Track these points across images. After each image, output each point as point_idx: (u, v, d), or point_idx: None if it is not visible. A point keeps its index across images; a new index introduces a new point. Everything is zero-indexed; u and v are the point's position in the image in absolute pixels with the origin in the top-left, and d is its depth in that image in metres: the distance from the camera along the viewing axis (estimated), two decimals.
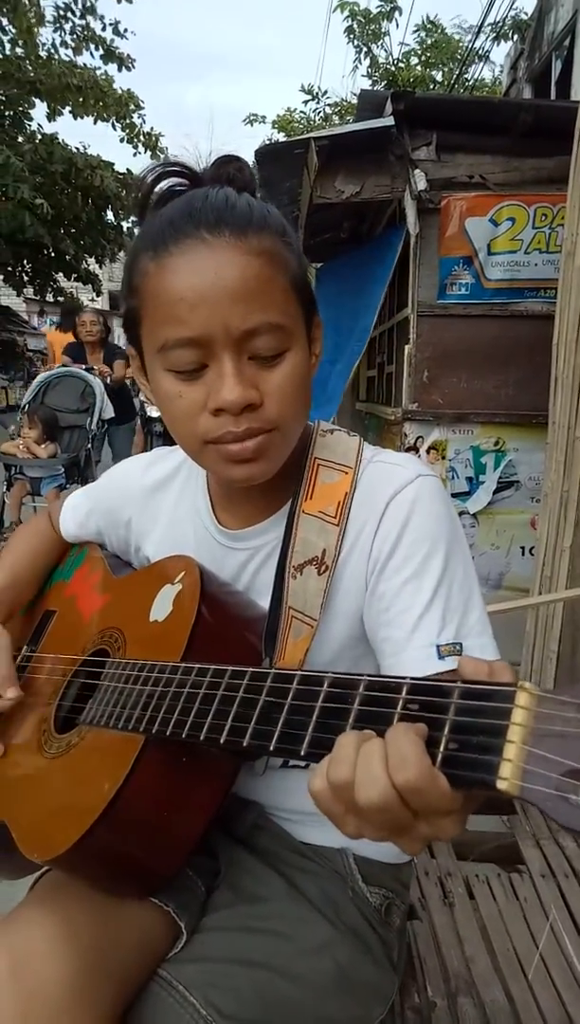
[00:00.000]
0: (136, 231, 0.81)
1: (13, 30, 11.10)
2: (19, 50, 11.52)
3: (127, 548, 1.05)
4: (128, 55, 11.94)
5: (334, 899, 0.86)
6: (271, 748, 0.53)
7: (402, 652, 0.75)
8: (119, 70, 11.82)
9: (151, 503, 0.99)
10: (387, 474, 0.82)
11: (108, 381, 5.72)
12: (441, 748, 0.44)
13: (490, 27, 9.55)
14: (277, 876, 0.87)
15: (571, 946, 1.45)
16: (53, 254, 14.55)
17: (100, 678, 0.82)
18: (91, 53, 11.94)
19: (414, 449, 4.25)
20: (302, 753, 0.50)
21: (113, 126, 12.05)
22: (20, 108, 12.24)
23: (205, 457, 0.78)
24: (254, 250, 0.70)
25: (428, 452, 4.26)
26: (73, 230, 13.63)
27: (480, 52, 10.51)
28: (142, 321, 0.75)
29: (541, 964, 1.41)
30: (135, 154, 12.91)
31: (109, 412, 5.67)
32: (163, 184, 0.80)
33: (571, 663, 2.91)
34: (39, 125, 12.66)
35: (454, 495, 4.30)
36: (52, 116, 12.04)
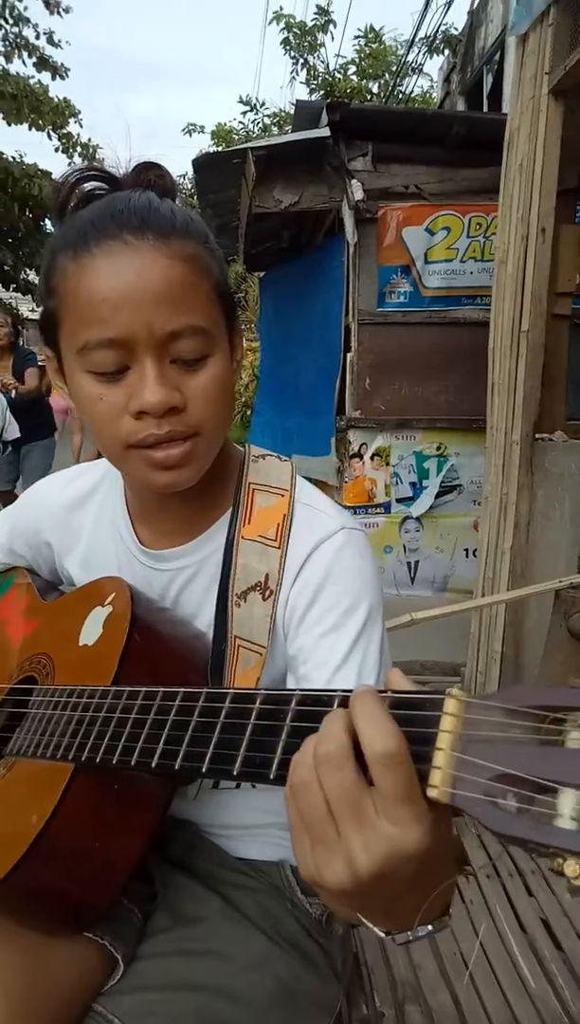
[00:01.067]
0: (53, 232, 0.79)
1: None
2: None
3: (53, 569, 1.02)
4: (62, 64, 11.82)
5: (272, 913, 0.85)
6: (204, 770, 0.51)
7: None
8: (52, 79, 11.68)
9: (72, 521, 0.96)
10: (311, 522, 0.81)
11: (13, 395, 5.02)
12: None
13: (422, 41, 9.77)
14: (213, 895, 0.85)
15: (516, 946, 1.47)
16: None
17: (27, 706, 0.79)
18: (23, 61, 11.79)
19: (358, 456, 4.29)
20: (235, 773, 0.49)
21: (49, 135, 11.90)
22: None
23: (128, 463, 0.76)
24: (177, 254, 0.70)
25: (372, 459, 4.30)
26: (10, 240, 13.37)
27: (414, 65, 10.73)
28: (61, 322, 0.73)
29: (487, 965, 1.43)
30: (69, 163, 12.76)
31: (13, 432, 4.97)
32: (84, 187, 0.78)
33: (515, 663, 2.97)
34: None
35: (398, 500, 4.35)
36: None
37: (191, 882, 0.87)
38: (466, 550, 4.31)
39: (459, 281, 4.17)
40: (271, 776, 0.47)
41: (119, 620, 0.75)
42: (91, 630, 0.78)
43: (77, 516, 0.96)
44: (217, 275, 0.75)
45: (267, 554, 0.79)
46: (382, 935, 0.49)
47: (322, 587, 0.77)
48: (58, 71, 11.78)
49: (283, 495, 0.83)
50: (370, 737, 0.42)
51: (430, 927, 0.49)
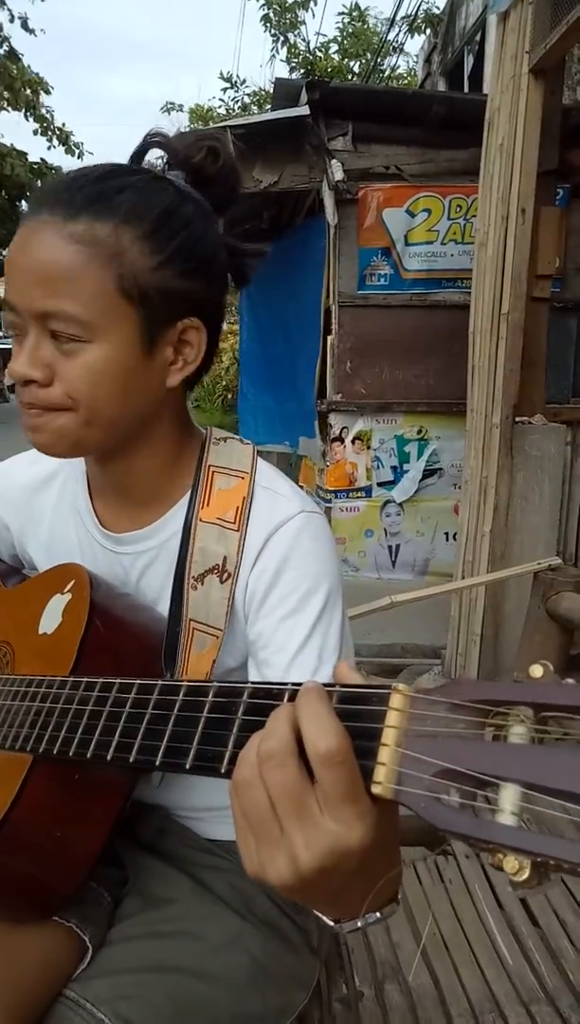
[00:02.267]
0: None
1: None
2: None
3: (14, 552, 1.00)
4: (41, 29, 11.58)
5: (243, 892, 0.85)
6: (157, 763, 0.51)
7: None
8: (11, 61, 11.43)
9: (33, 504, 0.94)
10: (270, 505, 0.80)
11: None
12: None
13: (402, 20, 9.66)
14: (185, 876, 0.85)
15: (494, 925, 1.49)
16: None
17: None
18: None
19: (339, 440, 4.28)
20: (187, 767, 0.48)
21: (26, 117, 11.69)
22: None
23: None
24: (77, 236, 0.68)
25: (353, 442, 4.30)
26: None
27: (395, 44, 10.62)
28: None
29: (466, 943, 1.44)
30: (49, 147, 12.58)
31: None
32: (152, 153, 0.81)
33: (494, 645, 2.99)
34: None
35: (380, 484, 4.35)
36: None
37: (162, 865, 0.87)
38: (446, 533, 4.33)
39: (439, 264, 4.15)
40: (222, 771, 0.47)
41: (78, 608, 0.74)
42: (51, 618, 0.77)
43: (39, 499, 0.94)
44: (136, 267, 0.71)
45: (226, 537, 0.79)
46: (331, 924, 0.50)
47: (281, 571, 0.77)
48: (14, 52, 11.51)
49: (243, 478, 0.82)
50: (313, 736, 0.42)
51: (378, 915, 0.50)
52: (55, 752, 0.62)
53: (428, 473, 4.35)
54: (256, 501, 0.80)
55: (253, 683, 0.49)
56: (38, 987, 0.73)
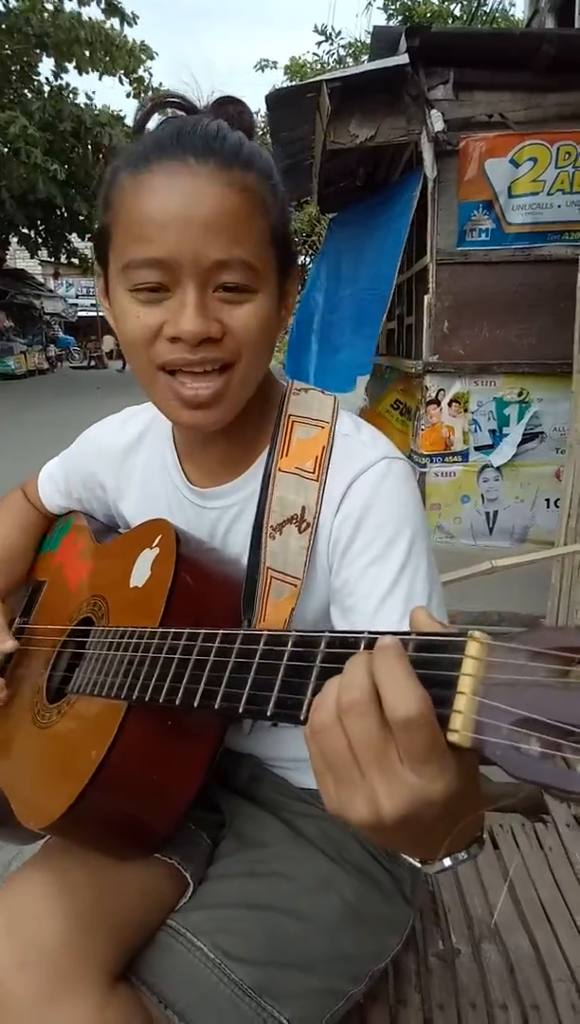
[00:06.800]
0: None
1: None
2: (24, 2, 11.30)
3: (109, 512, 1.04)
4: (132, 12, 11.68)
5: (335, 838, 0.87)
6: (241, 710, 0.52)
7: None
8: (121, 25, 11.58)
9: (125, 463, 0.97)
10: (351, 452, 0.80)
11: None
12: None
13: None
14: (277, 821, 0.88)
15: None
16: (66, 214, 14.43)
17: (86, 647, 0.82)
18: (97, 7, 11.70)
19: (435, 402, 4.19)
20: (269, 714, 0.50)
21: (121, 80, 11.84)
22: (25, 61, 12.04)
23: (157, 389, 0.75)
24: (237, 185, 0.68)
25: (450, 405, 4.19)
26: (86, 188, 13.48)
27: None
28: (111, 238, 0.73)
29: (566, 911, 1.42)
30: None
31: None
32: (161, 115, 0.78)
33: None
34: (46, 79, 12.47)
35: (477, 448, 4.24)
36: (58, 73, 11.84)
37: (256, 810, 0.90)
38: (547, 500, 4.18)
39: (545, 216, 3.93)
40: (301, 718, 0.48)
41: (166, 562, 0.76)
42: (140, 572, 0.80)
43: (130, 459, 0.97)
44: (276, 215, 0.73)
45: (305, 486, 0.79)
46: (417, 864, 0.50)
47: (364, 518, 0.76)
48: (126, 17, 11.63)
49: (323, 427, 0.82)
50: (391, 699, 0.42)
51: (464, 854, 0.50)
52: (147, 699, 0.65)
53: (529, 437, 4.19)
54: (336, 449, 0.80)
55: (331, 632, 0.49)
56: (141, 915, 0.78)
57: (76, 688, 0.80)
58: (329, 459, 0.80)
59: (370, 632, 0.46)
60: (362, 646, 0.46)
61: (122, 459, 0.98)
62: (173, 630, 0.66)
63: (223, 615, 0.77)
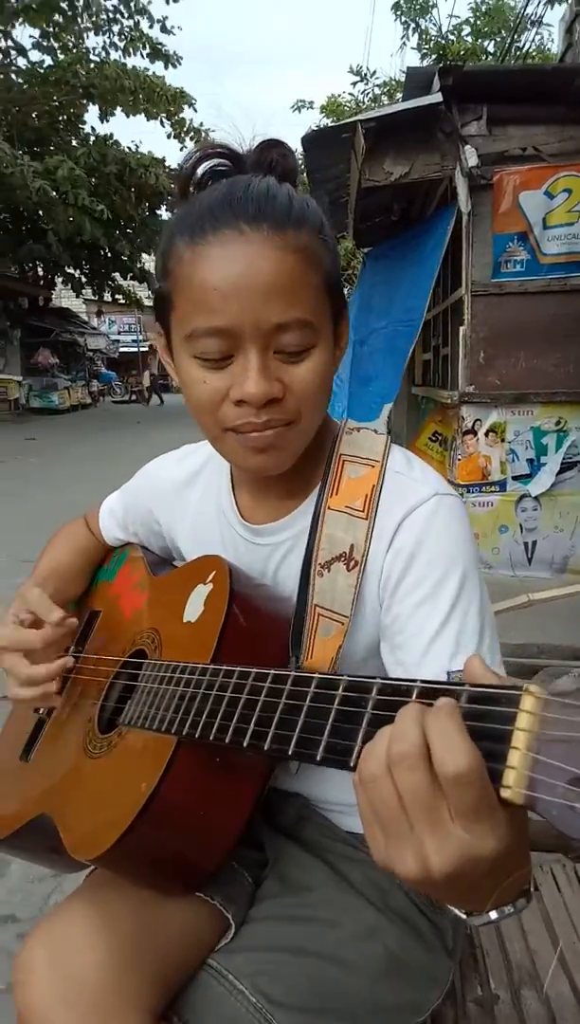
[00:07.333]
0: (174, 212, 0.81)
1: (66, 38, 11.37)
2: (72, 55, 11.81)
3: (165, 545, 1.06)
4: (174, 52, 12.13)
5: (380, 885, 0.86)
6: (290, 752, 0.53)
7: (414, 676, 0.73)
8: (165, 67, 12.03)
9: (180, 498, 1.00)
10: (403, 489, 0.80)
11: None
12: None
13: None
14: (322, 865, 0.87)
15: None
16: (110, 254, 14.85)
17: (138, 679, 0.83)
18: (141, 54, 12.18)
19: (472, 432, 4.18)
20: (318, 759, 0.50)
21: (162, 123, 12.25)
22: (72, 111, 12.54)
23: (224, 443, 0.78)
24: (290, 246, 0.70)
25: (487, 435, 4.17)
26: (128, 230, 13.89)
27: (533, 18, 10.15)
28: (173, 306, 0.76)
29: None
30: (181, 148, 13.08)
31: None
32: (205, 165, 0.79)
33: None
34: (92, 128, 12.97)
35: (515, 478, 4.20)
36: (104, 117, 12.29)
37: (300, 852, 0.89)
38: None
39: None
40: (351, 764, 0.48)
41: (219, 598, 0.78)
42: (194, 607, 0.81)
43: (185, 494, 0.99)
44: (328, 266, 0.75)
45: (354, 524, 0.80)
46: (462, 916, 0.50)
47: (415, 555, 0.76)
48: (170, 59, 12.06)
49: (373, 466, 0.83)
50: (440, 755, 0.42)
51: (510, 908, 0.50)
52: (197, 735, 0.65)
53: (567, 466, 4.14)
54: (386, 487, 0.81)
55: (382, 679, 0.50)
56: (182, 954, 0.78)
57: (128, 720, 0.81)
58: (379, 497, 0.80)
59: (423, 681, 0.46)
60: (414, 695, 0.46)
61: (178, 494, 1.00)
62: (225, 667, 0.67)
63: (272, 652, 0.77)
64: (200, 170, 0.79)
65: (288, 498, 0.86)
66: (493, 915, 0.49)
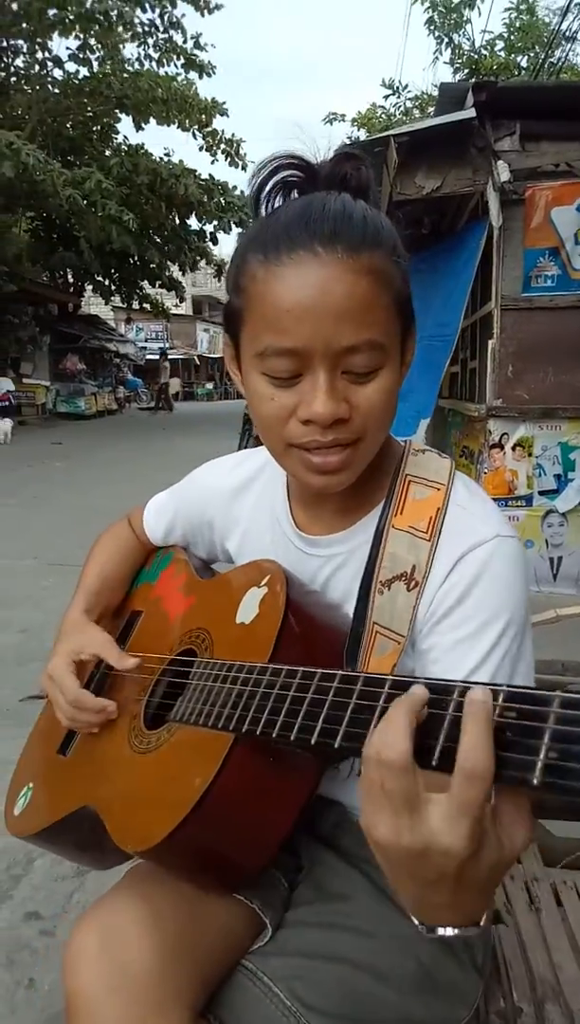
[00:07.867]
0: (249, 223, 0.81)
1: (101, 49, 11.55)
2: (106, 67, 11.98)
3: (213, 549, 1.07)
4: (209, 62, 12.26)
5: None
6: (336, 746, 0.55)
7: None
8: (200, 77, 12.17)
9: (234, 505, 1.01)
10: (464, 526, 0.80)
11: None
12: (541, 757, 0.43)
13: (578, 6, 9.22)
14: (359, 875, 0.87)
15: None
16: (139, 263, 15.00)
17: (188, 677, 0.84)
18: (175, 65, 12.34)
19: (499, 446, 4.17)
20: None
21: (194, 135, 12.39)
22: (106, 122, 12.73)
23: (288, 459, 0.79)
24: (364, 268, 0.70)
25: (514, 449, 4.16)
26: (158, 239, 14.03)
27: (568, 34, 10.15)
28: (245, 322, 0.76)
29: None
30: (213, 161, 13.19)
31: None
32: (279, 176, 0.79)
33: None
34: (125, 137, 13.16)
35: (541, 493, 4.18)
36: (138, 127, 12.46)
37: (337, 860, 0.90)
38: None
39: None
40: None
41: (275, 601, 0.79)
42: (248, 609, 0.82)
43: (239, 500, 1.00)
44: (399, 286, 0.75)
45: (417, 545, 0.80)
46: (416, 923, 0.57)
47: (466, 595, 0.76)
48: (205, 69, 12.20)
49: (439, 489, 0.83)
50: (465, 750, 0.47)
51: (456, 931, 0.56)
52: (258, 733, 0.66)
53: None
54: (450, 516, 0.81)
55: (426, 678, 0.53)
56: (221, 953, 0.79)
57: (179, 716, 0.82)
58: (442, 524, 0.80)
59: (509, 685, 0.49)
60: (455, 694, 0.50)
61: (231, 500, 1.01)
62: (288, 667, 0.68)
63: (326, 659, 0.78)
64: (274, 180, 0.79)
65: (346, 513, 0.87)
66: (447, 931, 0.55)
